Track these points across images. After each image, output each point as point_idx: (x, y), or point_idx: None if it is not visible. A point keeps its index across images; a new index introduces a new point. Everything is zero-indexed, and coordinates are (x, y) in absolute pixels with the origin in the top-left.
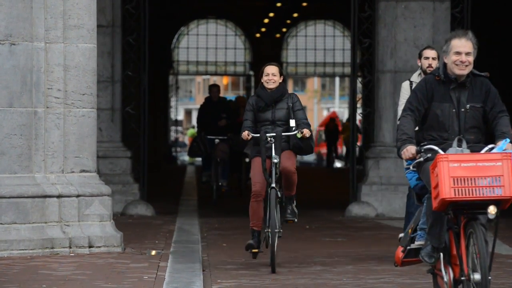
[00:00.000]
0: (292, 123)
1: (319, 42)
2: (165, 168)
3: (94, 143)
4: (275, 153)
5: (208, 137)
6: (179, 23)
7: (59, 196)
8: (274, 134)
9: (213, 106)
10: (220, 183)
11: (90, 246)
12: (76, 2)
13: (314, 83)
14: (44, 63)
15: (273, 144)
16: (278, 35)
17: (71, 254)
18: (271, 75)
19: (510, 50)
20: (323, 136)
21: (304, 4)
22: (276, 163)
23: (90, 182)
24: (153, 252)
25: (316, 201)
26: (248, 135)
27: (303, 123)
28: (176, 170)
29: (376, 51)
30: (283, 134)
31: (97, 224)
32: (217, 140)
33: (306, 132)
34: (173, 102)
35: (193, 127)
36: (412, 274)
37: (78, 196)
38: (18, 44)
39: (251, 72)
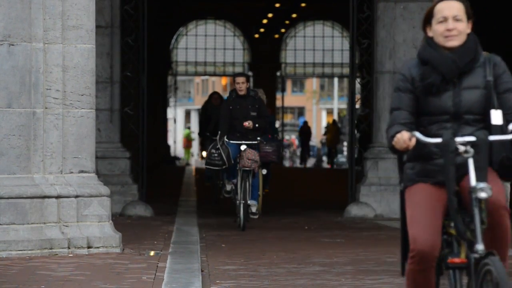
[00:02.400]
0: (496, 117)
1: (318, 42)
2: (164, 168)
3: (92, 144)
4: (479, 179)
5: (232, 142)
6: (178, 23)
7: (58, 197)
8: (474, 138)
9: (240, 102)
10: (248, 205)
11: (88, 247)
12: (75, 2)
13: (312, 83)
14: (42, 64)
15: (470, 160)
16: (276, 36)
17: (69, 255)
18: (451, 21)
19: (509, 50)
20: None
21: (303, 4)
22: (483, 200)
23: (89, 182)
24: (152, 253)
25: (315, 202)
26: (410, 140)
27: None
28: (175, 171)
29: (375, 52)
30: (490, 138)
31: (96, 225)
32: (243, 146)
33: None
34: (172, 103)
35: (189, 127)
36: None
37: (76, 196)
38: (16, 45)
39: (250, 73)
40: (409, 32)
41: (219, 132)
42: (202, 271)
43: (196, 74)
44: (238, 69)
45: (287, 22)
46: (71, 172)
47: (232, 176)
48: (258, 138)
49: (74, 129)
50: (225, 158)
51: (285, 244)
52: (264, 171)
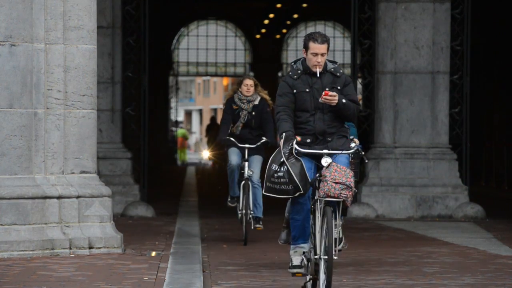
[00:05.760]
0: None
1: None
2: (165, 169)
3: (94, 144)
4: None
5: (302, 149)
6: (179, 24)
7: (59, 197)
8: None
9: (311, 82)
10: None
11: (90, 247)
12: (76, 3)
13: None
14: (44, 64)
15: None
16: (278, 36)
17: (71, 255)
18: None
19: (510, 51)
20: None
21: (304, 5)
22: None
23: (90, 183)
24: (153, 253)
25: None
26: None
27: None
28: (176, 171)
29: (376, 52)
30: None
31: (97, 225)
32: (327, 160)
33: None
34: (173, 103)
35: (181, 127)
36: (412, 275)
37: (78, 197)
38: (18, 45)
39: (251, 73)
40: (410, 32)
41: (283, 134)
42: (203, 271)
43: (198, 74)
44: (240, 70)
45: (288, 22)
46: (73, 173)
47: (301, 238)
48: (354, 144)
49: (76, 129)
50: (296, 179)
51: (286, 245)
52: None
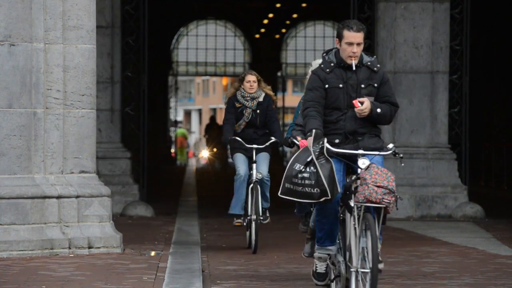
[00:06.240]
0: None
1: (319, 43)
2: (164, 169)
3: (93, 144)
4: None
5: (335, 149)
6: (179, 24)
7: (58, 197)
8: None
9: (345, 77)
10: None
11: (89, 247)
12: (76, 3)
13: None
14: (43, 64)
15: None
16: (277, 36)
17: (70, 255)
18: None
19: (509, 50)
20: None
21: (304, 5)
22: None
23: (90, 183)
24: (153, 253)
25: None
26: None
27: None
28: (175, 171)
29: (376, 52)
30: None
31: (97, 225)
32: (364, 162)
33: None
34: (172, 103)
35: (180, 127)
36: (412, 275)
37: (77, 197)
38: (17, 45)
39: None
40: (409, 32)
41: (312, 131)
42: (202, 271)
43: (197, 74)
44: (239, 69)
45: (287, 22)
46: (72, 172)
47: (328, 239)
48: (391, 146)
49: (75, 129)
50: (325, 182)
51: (285, 244)
52: None
